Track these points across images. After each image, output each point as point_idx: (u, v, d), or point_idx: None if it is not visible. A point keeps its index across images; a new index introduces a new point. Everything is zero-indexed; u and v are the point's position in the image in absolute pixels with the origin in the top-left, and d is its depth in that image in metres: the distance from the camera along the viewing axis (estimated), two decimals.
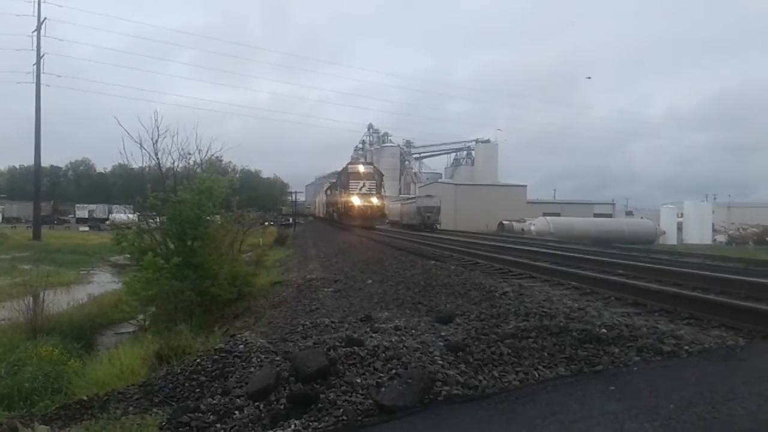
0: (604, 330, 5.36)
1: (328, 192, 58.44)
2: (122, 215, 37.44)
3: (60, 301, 18.91)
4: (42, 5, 57.50)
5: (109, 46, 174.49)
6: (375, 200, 40.34)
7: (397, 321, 6.89)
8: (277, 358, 5.62)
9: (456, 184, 72.11)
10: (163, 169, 19.97)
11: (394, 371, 4.71)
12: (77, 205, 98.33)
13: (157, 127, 19.17)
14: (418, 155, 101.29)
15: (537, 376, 4.54)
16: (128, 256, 18.79)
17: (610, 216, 64.72)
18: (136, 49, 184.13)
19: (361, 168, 42.98)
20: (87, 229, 75.11)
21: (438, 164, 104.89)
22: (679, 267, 11.73)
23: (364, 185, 40.34)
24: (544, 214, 54.22)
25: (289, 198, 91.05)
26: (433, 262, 13.46)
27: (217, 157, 24.88)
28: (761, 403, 3.56)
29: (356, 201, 39.75)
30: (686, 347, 4.90)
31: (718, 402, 3.56)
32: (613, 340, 5.12)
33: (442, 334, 5.88)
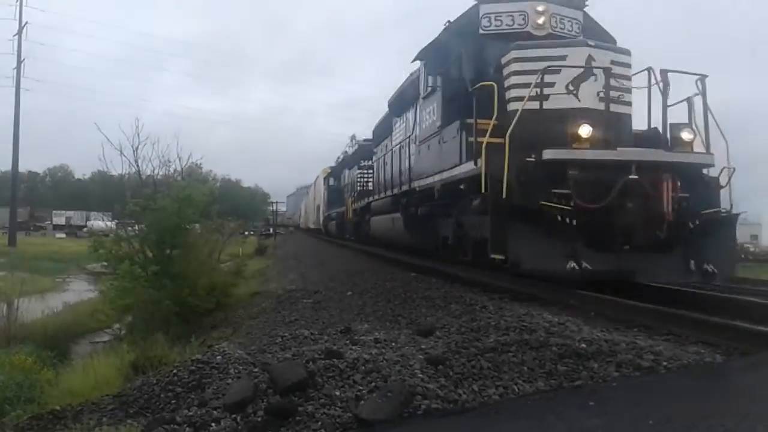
0: (583, 345, 5.37)
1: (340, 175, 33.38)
2: (100, 222, 36.66)
3: (35, 309, 18.66)
4: (24, 10, 57.11)
5: (97, 53, 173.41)
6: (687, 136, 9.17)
7: (377, 333, 6.86)
8: (255, 370, 5.55)
9: None
10: (143, 177, 19.83)
11: (373, 384, 4.68)
12: (54, 211, 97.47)
13: (138, 135, 19.07)
14: None
15: (517, 390, 4.53)
16: (105, 264, 18.60)
17: None
18: (124, 57, 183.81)
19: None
20: (64, 236, 74.49)
21: None
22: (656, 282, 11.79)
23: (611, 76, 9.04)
24: None
25: (269, 208, 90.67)
26: (413, 274, 13.44)
27: (197, 164, 24.80)
28: (739, 420, 3.58)
29: (584, 132, 8.52)
30: (665, 363, 4.92)
31: (697, 418, 3.57)
32: (592, 355, 5.13)
33: (422, 347, 5.85)
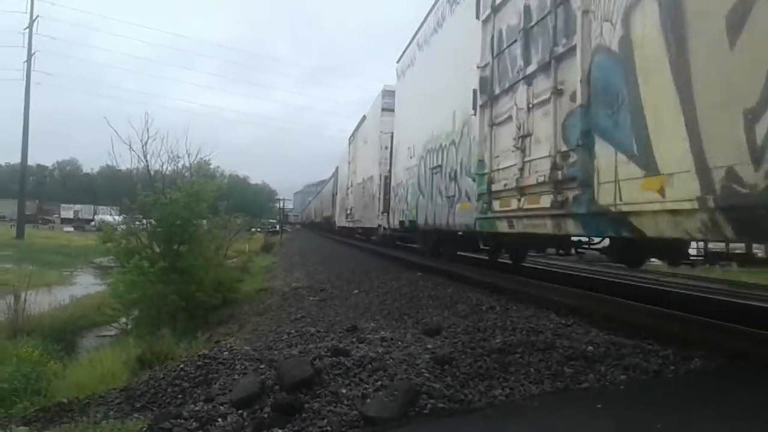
0: (590, 347, 5.36)
1: None
2: (108, 217, 36.77)
3: (42, 301, 18.77)
4: (36, 3, 57.36)
5: (124, 51, 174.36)
6: None
7: (383, 332, 6.86)
8: (262, 366, 5.57)
9: None
10: (152, 172, 19.90)
11: (379, 383, 4.68)
12: (62, 205, 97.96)
13: (147, 130, 19.17)
14: None
15: (523, 391, 4.52)
16: (113, 258, 18.68)
17: None
18: (150, 56, 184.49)
19: None
20: (71, 229, 74.75)
21: None
22: (663, 286, 11.78)
23: None
24: None
25: (277, 205, 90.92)
26: (419, 273, 13.43)
27: (205, 160, 24.84)
28: (747, 422, 3.56)
29: None
30: (672, 367, 4.90)
31: (707, 422, 3.56)
32: (599, 357, 5.11)
33: (429, 346, 5.85)
